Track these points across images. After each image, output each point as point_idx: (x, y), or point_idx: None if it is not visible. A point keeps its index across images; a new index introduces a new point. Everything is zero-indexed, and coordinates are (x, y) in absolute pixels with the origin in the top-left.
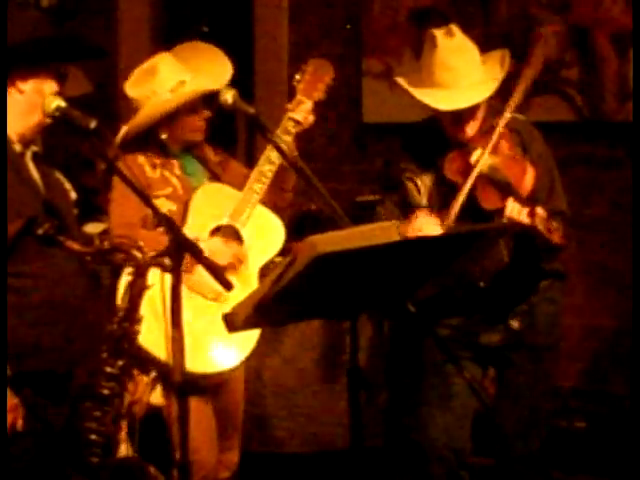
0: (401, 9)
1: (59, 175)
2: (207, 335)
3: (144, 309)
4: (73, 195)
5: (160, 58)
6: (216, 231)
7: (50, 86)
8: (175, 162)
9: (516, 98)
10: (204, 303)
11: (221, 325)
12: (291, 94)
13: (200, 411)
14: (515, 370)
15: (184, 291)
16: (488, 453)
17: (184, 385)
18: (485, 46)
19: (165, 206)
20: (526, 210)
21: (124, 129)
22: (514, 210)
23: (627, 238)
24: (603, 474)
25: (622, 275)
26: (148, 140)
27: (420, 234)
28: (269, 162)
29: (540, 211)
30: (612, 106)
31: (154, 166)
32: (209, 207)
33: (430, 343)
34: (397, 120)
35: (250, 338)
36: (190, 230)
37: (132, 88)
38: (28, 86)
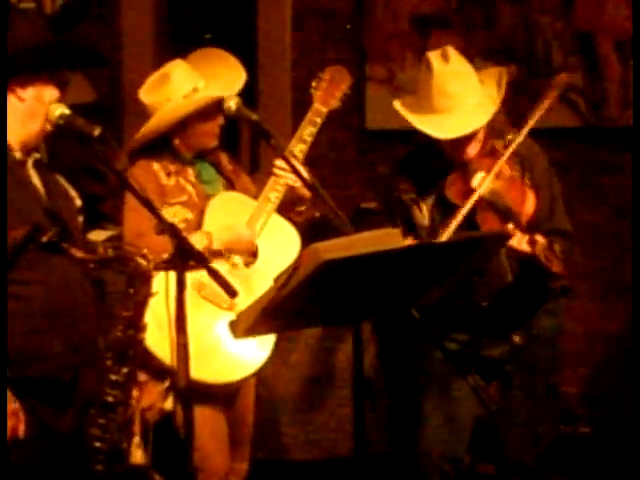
0: (404, 15)
1: (64, 182)
2: (220, 345)
3: (155, 317)
4: (78, 202)
5: (174, 65)
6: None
7: (50, 93)
8: (189, 169)
9: (529, 126)
10: (218, 313)
11: None
12: (299, 99)
13: (213, 419)
14: (516, 382)
15: (199, 300)
16: (490, 461)
17: (191, 392)
18: (487, 52)
19: (181, 214)
20: (526, 238)
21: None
22: (514, 239)
23: (629, 243)
24: (607, 479)
25: (625, 280)
26: (162, 147)
27: None
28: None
29: (540, 239)
30: (615, 111)
31: (169, 173)
32: (225, 215)
33: (431, 352)
34: (400, 126)
35: (263, 348)
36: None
37: (146, 94)
38: (28, 94)
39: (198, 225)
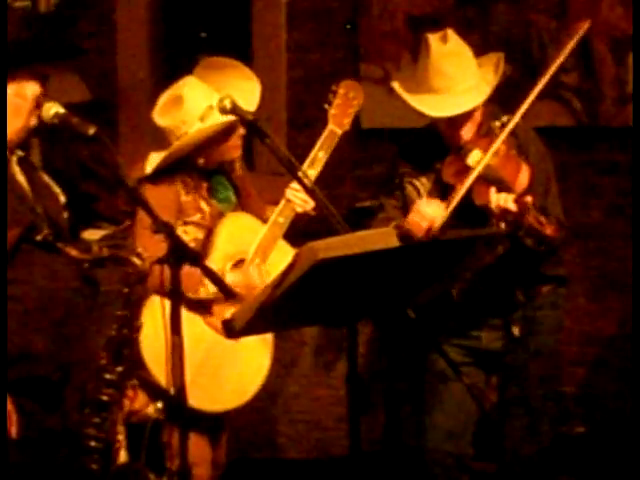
0: (399, 15)
1: (47, 179)
2: (219, 373)
3: (151, 337)
4: (62, 199)
5: (184, 84)
6: (239, 263)
7: (32, 88)
8: (204, 184)
9: (527, 104)
10: (218, 339)
11: (232, 365)
12: (294, 98)
13: (200, 433)
14: (516, 376)
15: (201, 327)
16: (490, 458)
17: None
18: (483, 51)
19: (192, 233)
20: (512, 197)
21: (154, 157)
22: (500, 199)
23: (626, 243)
24: (603, 479)
25: (621, 280)
26: (184, 165)
27: (421, 216)
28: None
29: (529, 198)
30: (610, 111)
31: (188, 191)
32: (233, 239)
33: (430, 347)
34: (395, 126)
35: (257, 376)
36: (214, 262)
37: (161, 117)
38: (9, 90)
39: (206, 246)
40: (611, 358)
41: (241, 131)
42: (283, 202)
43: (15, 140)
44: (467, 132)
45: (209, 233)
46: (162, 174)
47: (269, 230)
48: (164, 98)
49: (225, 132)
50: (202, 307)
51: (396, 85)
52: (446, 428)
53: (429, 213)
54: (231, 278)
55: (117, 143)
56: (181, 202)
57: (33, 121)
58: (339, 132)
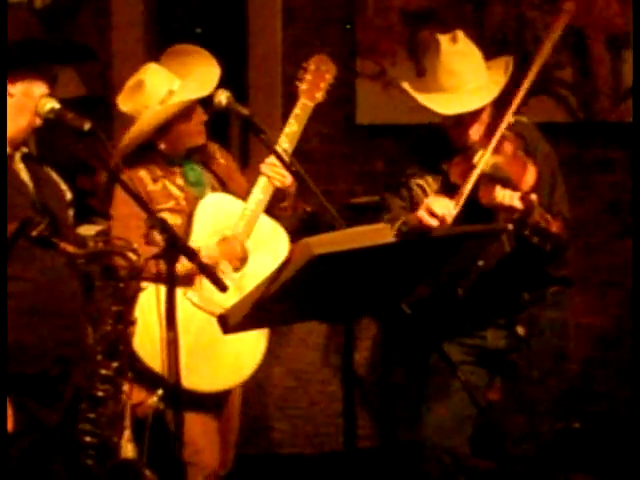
0: (395, 10)
1: (54, 175)
2: (213, 352)
3: (146, 328)
4: (69, 195)
5: (146, 70)
6: (223, 241)
7: (39, 88)
8: (177, 171)
9: (519, 98)
10: (211, 320)
11: (226, 343)
12: (289, 93)
13: (203, 415)
14: (520, 375)
15: (192, 307)
16: (488, 457)
17: (181, 395)
18: (479, 48)
19: (169, 220)
20: (517, 194)
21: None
22: (505, 196)
23: (621, 239)
24: (599, 475)
25: (616, 276)
26: (149, 152)
27: (429, 212)
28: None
29: (533, 197)
30: (606, 107)
31: (155, 179)
32: (213, 219)
33: (430, 344)
34: (390, 121)
35: (255, 353)
36: (197, 242)
37: (123, 103)
38: (16, 89)
39: (186, 230)
40: (608, 354)
41: (203, 117)
42: (261, 178)
43: (20, 138)
44: (475, 132)
45: (189, 217)
46: (125, 165)
47: (248, 206)
48: (127, 85)
49: (182, 114)
50: (183, 282)
51: (406, 84)
52: (444, 424)
53: (440, 211)
54: (207, 252)
55: (112, 138)
56: (148, 191)
57: (38, 121)
58: (311, 104)
